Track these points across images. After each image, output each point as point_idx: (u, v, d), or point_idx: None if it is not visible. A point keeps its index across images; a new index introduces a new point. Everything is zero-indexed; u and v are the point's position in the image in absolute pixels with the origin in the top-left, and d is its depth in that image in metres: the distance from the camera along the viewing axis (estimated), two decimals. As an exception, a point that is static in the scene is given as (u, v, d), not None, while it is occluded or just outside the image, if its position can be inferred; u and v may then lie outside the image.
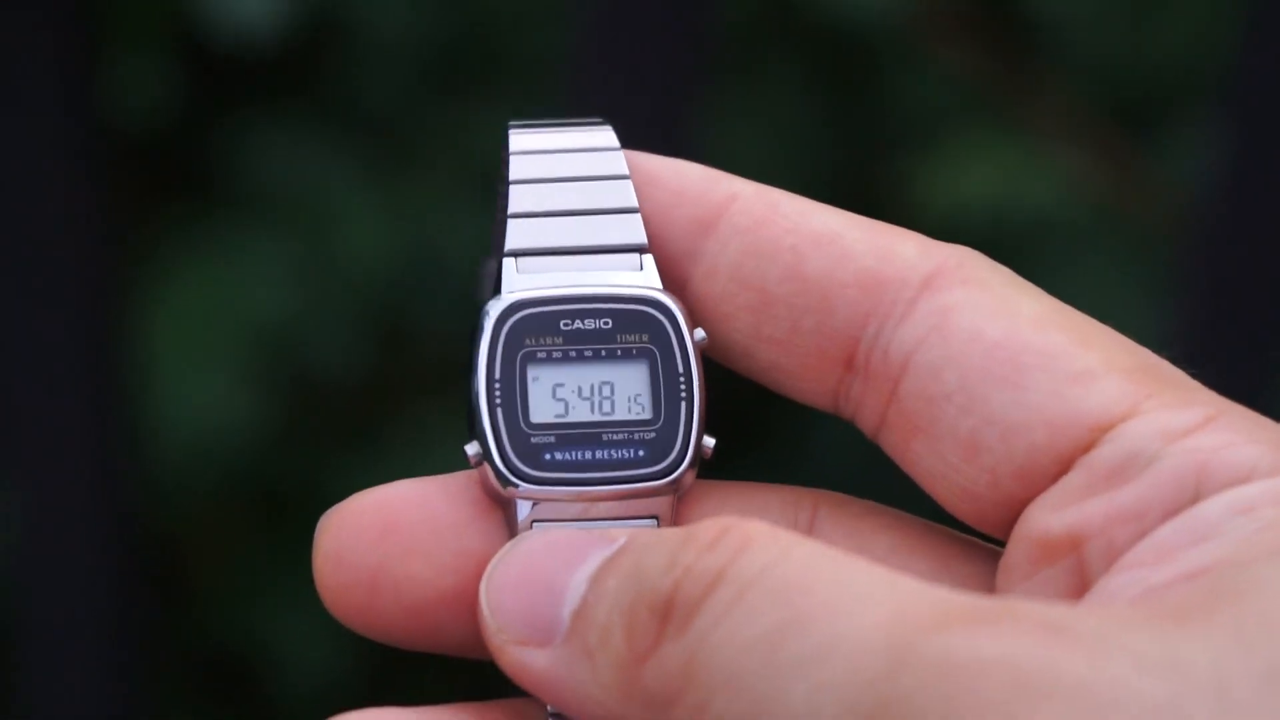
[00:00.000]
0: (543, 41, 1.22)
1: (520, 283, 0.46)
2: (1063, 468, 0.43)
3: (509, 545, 0.44)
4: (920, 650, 0.37)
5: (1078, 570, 0.43)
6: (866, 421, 0.46)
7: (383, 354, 1.23)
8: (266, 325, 1.19)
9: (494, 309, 0.46)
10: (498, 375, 0.45)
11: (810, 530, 0.46)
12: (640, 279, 0.46)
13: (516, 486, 0.45)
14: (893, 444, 0.45)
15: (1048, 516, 0.43)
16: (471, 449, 0.45)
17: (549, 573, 0.43)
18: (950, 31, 1.23)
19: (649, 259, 0.46)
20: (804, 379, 0.46)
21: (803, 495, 0.46)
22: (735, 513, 0.45)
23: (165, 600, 1.18)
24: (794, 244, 0.45)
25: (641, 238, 0.46)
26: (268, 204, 1.22)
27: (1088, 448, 0.43)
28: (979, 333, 0.44)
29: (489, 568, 0.44)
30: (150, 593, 1.12)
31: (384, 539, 0.45)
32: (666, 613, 0.40)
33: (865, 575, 0.39)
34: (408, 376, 1.23)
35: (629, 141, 0.47)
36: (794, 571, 0.39)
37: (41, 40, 1.05)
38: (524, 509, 0.45)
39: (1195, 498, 0.42)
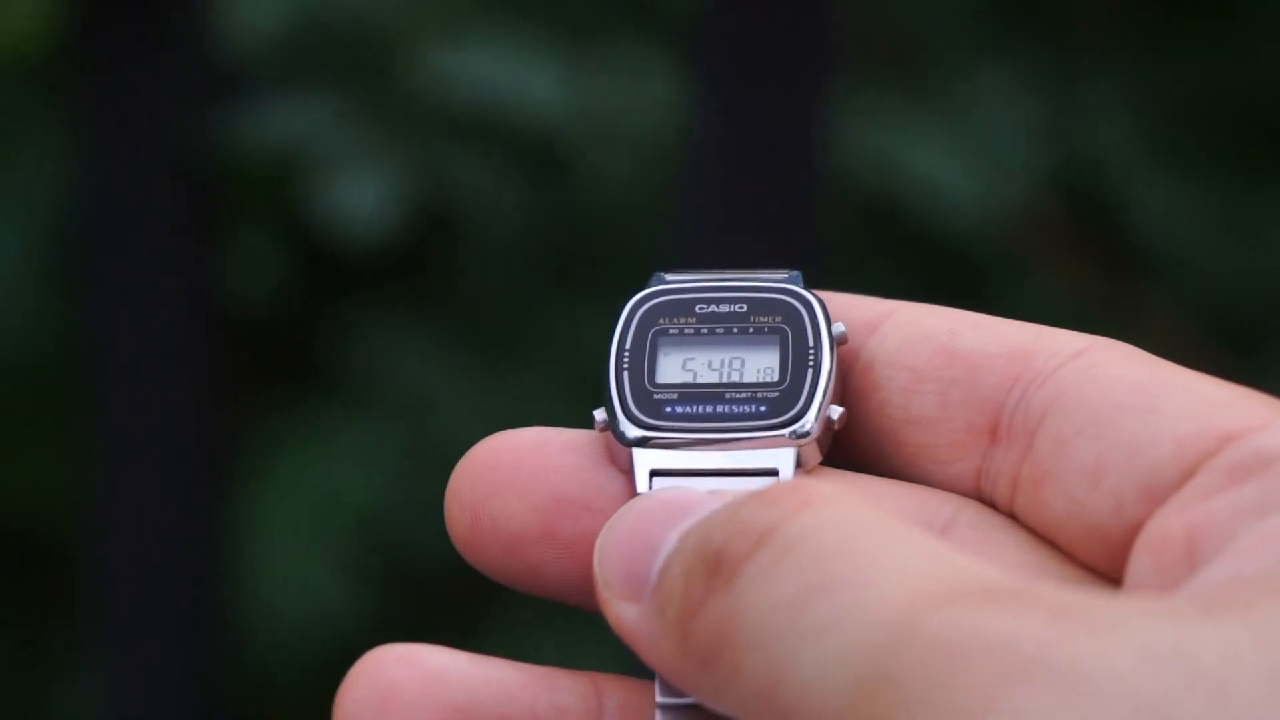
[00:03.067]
0: (646, 237, 1.24)
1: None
2: (1187, 477, 0.41)
3: (630, 502, 0.44)
4: (922, 626, 0.36)
5: (1192, 571, 0.40)
6: (1003, 493, 0.44)
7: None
8: (366, 512, 1.20)
9: (633, 298, 0.46)
10: (628, 347, 0.46)
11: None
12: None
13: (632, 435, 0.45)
14: (1025, 508, 0.44)
15: (1166, 520, 0.41)
16: (599, 414, 0.45)
17: (652, 528, 0.42)
18: (1053, 247, 1.24)
19: None
20: (951, 458, 0.45)
21: (947, 501, 0.45)
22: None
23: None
24: (951, 328, 0.45)
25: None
26: (372, 392, 1.23)
27: (1214, 455, 0.41)
28: (1120, 378, 0.43)
29: (608, 522, 0.44)
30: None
31: (488, 474, 0.45)
32: (716, 568, 0.40)
33: (910, 546, 0.38)
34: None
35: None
36: (839, 536, 0.39)
37: (161, 222, 1.07)
38: (641, 458, 0.45)
39: None
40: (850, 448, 0.46)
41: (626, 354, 0.46)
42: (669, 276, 0.47)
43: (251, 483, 1.18)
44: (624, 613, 0.42)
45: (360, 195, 1.16)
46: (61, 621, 1.22)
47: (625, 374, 0.46)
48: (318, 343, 1.24)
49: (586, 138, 1.23)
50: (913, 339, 0.46)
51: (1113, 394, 0.43)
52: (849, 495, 0.40)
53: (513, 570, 0.46)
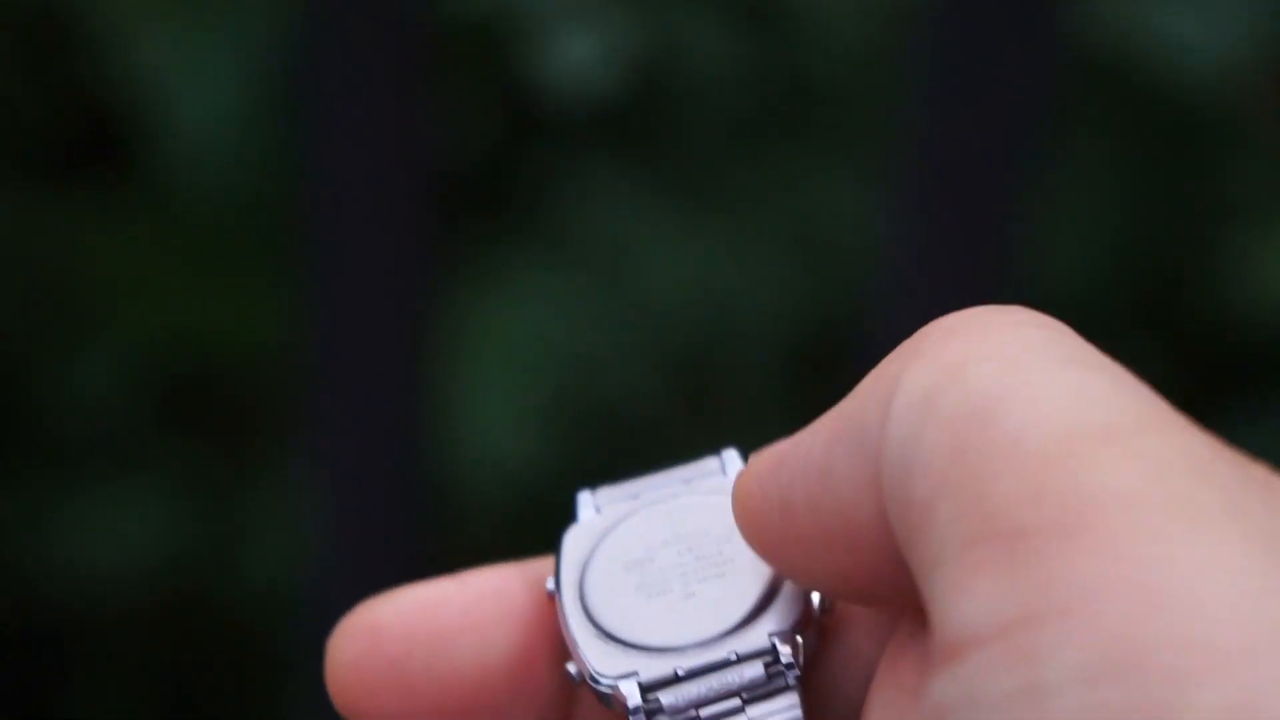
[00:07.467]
0: (873, 94, 1.21)
1: None
2: None
3: None
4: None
5: None
6: None
7: (675, 393, 1.22)
8: (560, 356, 1.19)
9: None
10: None
11: None
12: None
13: None
14: None
15: None
16: None
17: None
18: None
19: None
20: None
21: None
22: None
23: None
24: None
25: None
26: (572, 241, 1.22)
27: None
28: None
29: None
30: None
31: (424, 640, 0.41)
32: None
33: None
34: (699, 416, 1.23)
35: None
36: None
37: (378, 68, 1.06)
38: None
39: None
40: None
41: None
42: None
43: (453, 325, 1.17)
44: None
45: (578, 49, 1.14)
46: (273, 454, 1.22)
47: None
48: (521, 192, 1.23)
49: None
50: None
51: None
52: None
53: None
